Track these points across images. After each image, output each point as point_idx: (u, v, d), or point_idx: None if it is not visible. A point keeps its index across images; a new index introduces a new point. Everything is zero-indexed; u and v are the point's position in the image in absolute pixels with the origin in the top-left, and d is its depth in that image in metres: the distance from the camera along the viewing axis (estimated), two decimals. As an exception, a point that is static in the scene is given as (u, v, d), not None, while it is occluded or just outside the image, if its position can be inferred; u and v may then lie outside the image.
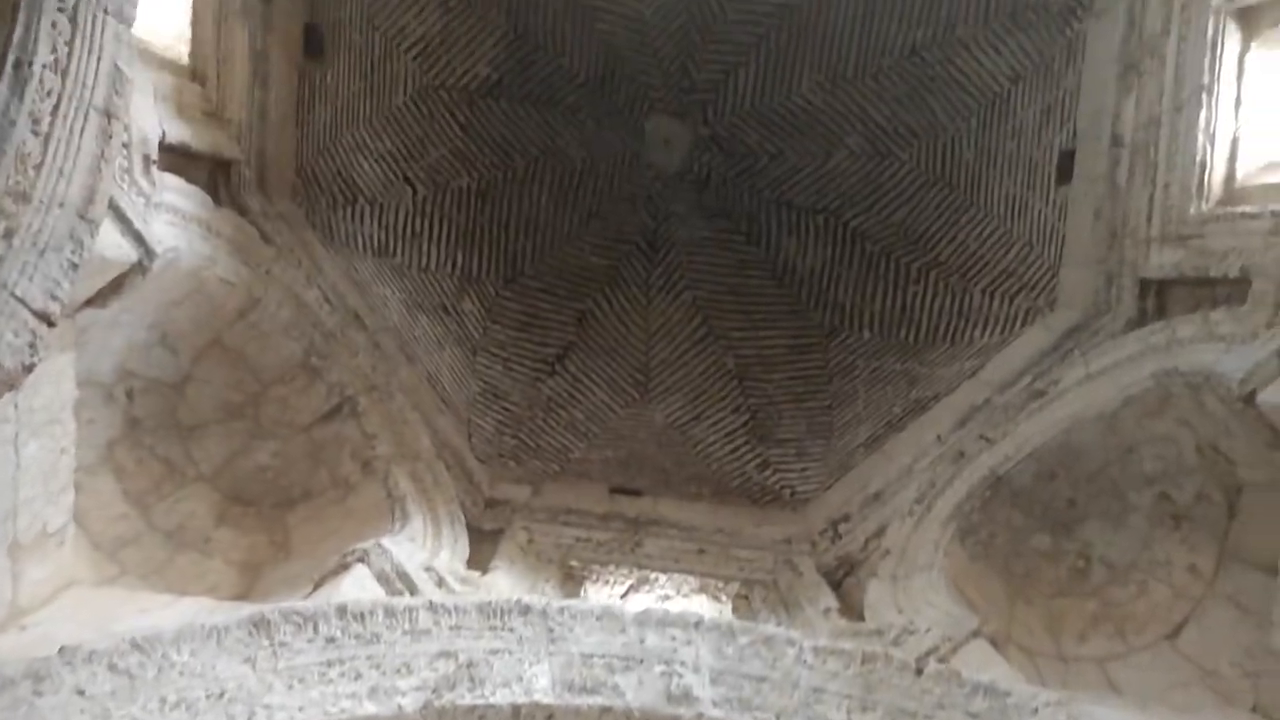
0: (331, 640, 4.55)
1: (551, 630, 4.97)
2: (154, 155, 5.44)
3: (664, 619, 5.17)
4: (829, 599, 6.37)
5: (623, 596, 6.78)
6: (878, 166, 8.69)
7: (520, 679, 4.69)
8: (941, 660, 5.03)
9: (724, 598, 6.82)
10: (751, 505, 8.14)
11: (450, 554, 6.11)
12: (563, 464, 8.38)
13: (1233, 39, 5.95)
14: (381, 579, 5.40)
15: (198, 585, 5.72)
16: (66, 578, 5.30)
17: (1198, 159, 5.99)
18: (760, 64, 8.84)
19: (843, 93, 8.68)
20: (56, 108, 4.52)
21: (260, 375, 6.47)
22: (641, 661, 4.91)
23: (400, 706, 4.43)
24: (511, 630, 4.92)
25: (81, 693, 3.91)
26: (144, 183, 5.33)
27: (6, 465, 4.82)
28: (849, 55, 8.54)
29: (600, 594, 6.73)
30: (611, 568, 6.87)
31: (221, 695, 4.16)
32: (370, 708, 4.38)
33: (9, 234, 4.26)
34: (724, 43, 8.81)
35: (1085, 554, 6.13)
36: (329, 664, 4.48)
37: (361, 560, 5.43)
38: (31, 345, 4.41)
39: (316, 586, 5.38)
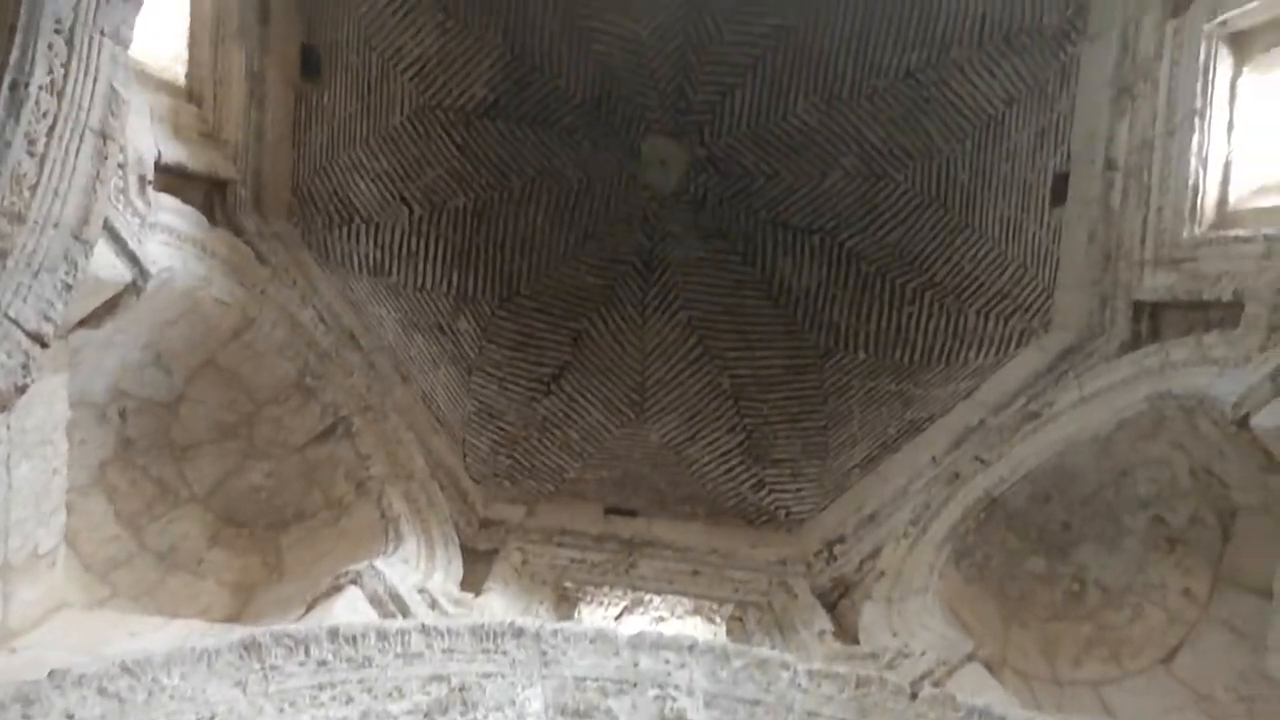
0: (323, 664, 4.51)
1: (544, 653, 4.94)
2: (150, 176, 5.45)
3: (658, 642, 5.13)
4: (823, 621, 6.35)
5: (617, 618, 6.76)
6: (873, 187, 8.72)
7: (513, 703, 4.65)
8: (936, 684, 5.01)
9: (718, 619, 6.80)
10: (746, 526, 8.13)
11: (444, 575, 6.09)
12: (558, 484, 8.37)
13: (1225, 63, 5.96)
14: (374, 601, 5.38)
15: (189, 607, 5.70)
16: (57, 599, 5.27)
17: (1190, 182, 5.99)
18: (756, 85, 8.87)
19: (838, 114, 8.70)
20: (52, 129, 4.53)
21: (254, 395, 6.46)
22: (635, 685, 4.88)
23: (392, 730, 4.40)
24: (504, 653, 4.88)
25: (71, 717, 3.87)
26: (139, 203, 5.34)
27: (-2, 486, 4.82)
28: (844, 77, 8.57)
29: (594, 615, 6.72)
30: (606, 589, 6.85)
31: (212, 719, 4.13)
32: (362, 731, 4.35)
33: (3, 255, 4.26)
34: (720, 64, 8.85)
35: (1080, 577, 6.11)
36: (320, 687, 4.45)
37: (354, 582, 5.41)
38: (24, 366, 4.41)
39: (309, 608, 5.36)
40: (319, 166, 7.76)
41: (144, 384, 5.99)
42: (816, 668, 5.00)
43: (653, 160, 9.22)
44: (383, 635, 4.74)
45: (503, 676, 4.75)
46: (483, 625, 4.96)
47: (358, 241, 8.13)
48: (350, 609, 5.22)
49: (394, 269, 8.40)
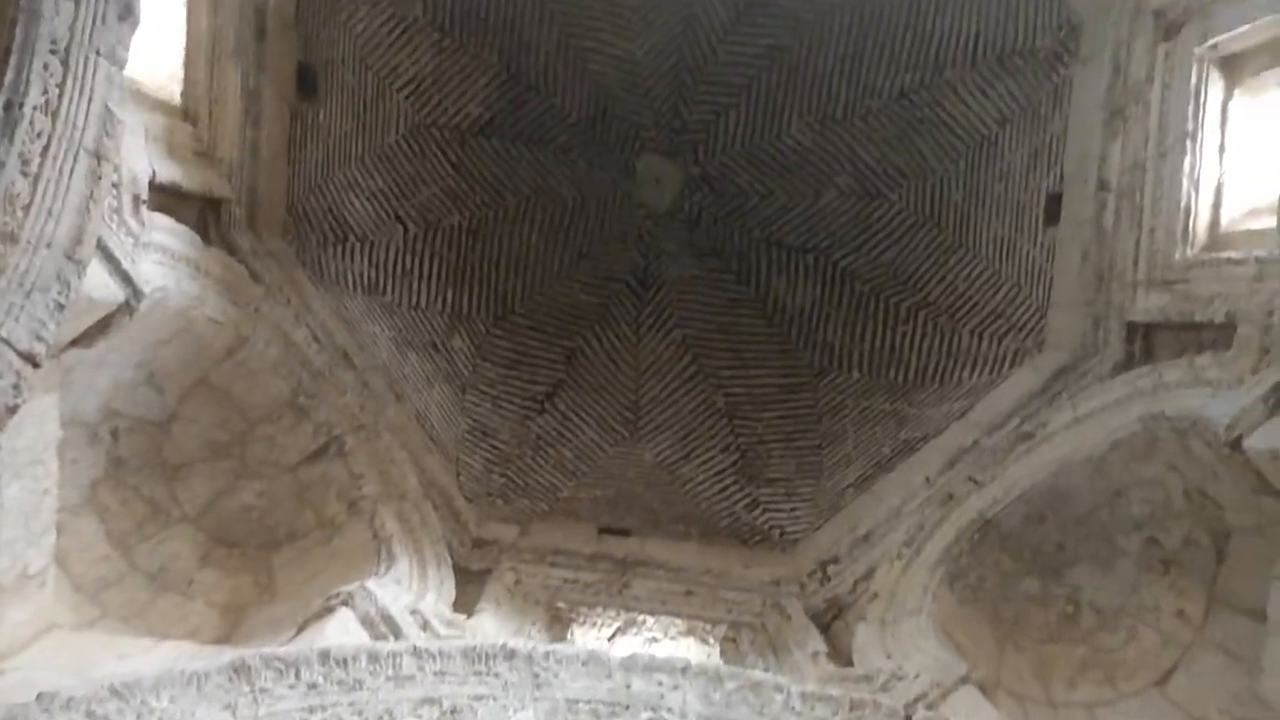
0: (313, 686, 4.50)
1: (537, 675, 4.93)
2: (144, 195, 5.45)
3: (650, 664, 5.12)
4: (817, 642, 6.33)
5: (610, 639, 6.74)
6: (867, 207, 8.74)
7: (505, 725, 4.64)
8: (930, 707, 5.00)
9: (712, 640, 6.78)
10: (740, 545, 8.11)
11: (436, 596, 6.07)
12: (551, 503, 8.35)
13: (1216, 86, 6.00)
14: (366, 622, 5.36)
15: (180, 628, 5.67)
16: (47, 621, 5.24)
17: (1182, 204, 6.02)
18: (751, 105, 8.90)
19: (832, 134, 8.73)
20: (46, 149, 4.54)
21: (247, 414, 6.45)
22: (628, 707, 4.87)
23: (383, 754, 4.38)
24: (496, 675, 4.87)
25: (58, 740, 3.86)
26: (133, 223, 5.34)
27: (-12, 507, 4.80)
28: (838, 97, 8.60)
29: (587, 636, 6.69)
30: (599, 609, 6.83)
31: (201, 743, 4.11)
32: (352, 756, 4.33)
33: (-4, 275, 4.26)
34: (715, 84, 8.88)
35: (1074, 599, 6.10)
36: (311, 710, 4.43)
37: (346, 603, 5.39)
38: (16, 387, 4.39)
39: (300, 630, 5.33)
40: (314, 185, 7.77)
41: (136, 403, 5.97)
42: (810, 690, 5.00)
43: (647, 179, 9.24)
44: (374, 657, 4.72)
45: (494, 699, 4.74)
46: (475, 647, 4.96)
47: (352, 260, 8.13)
48: (342, 630, 5.20)
49: (388, 287, 8.39)
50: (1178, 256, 6.05)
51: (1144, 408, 5.75)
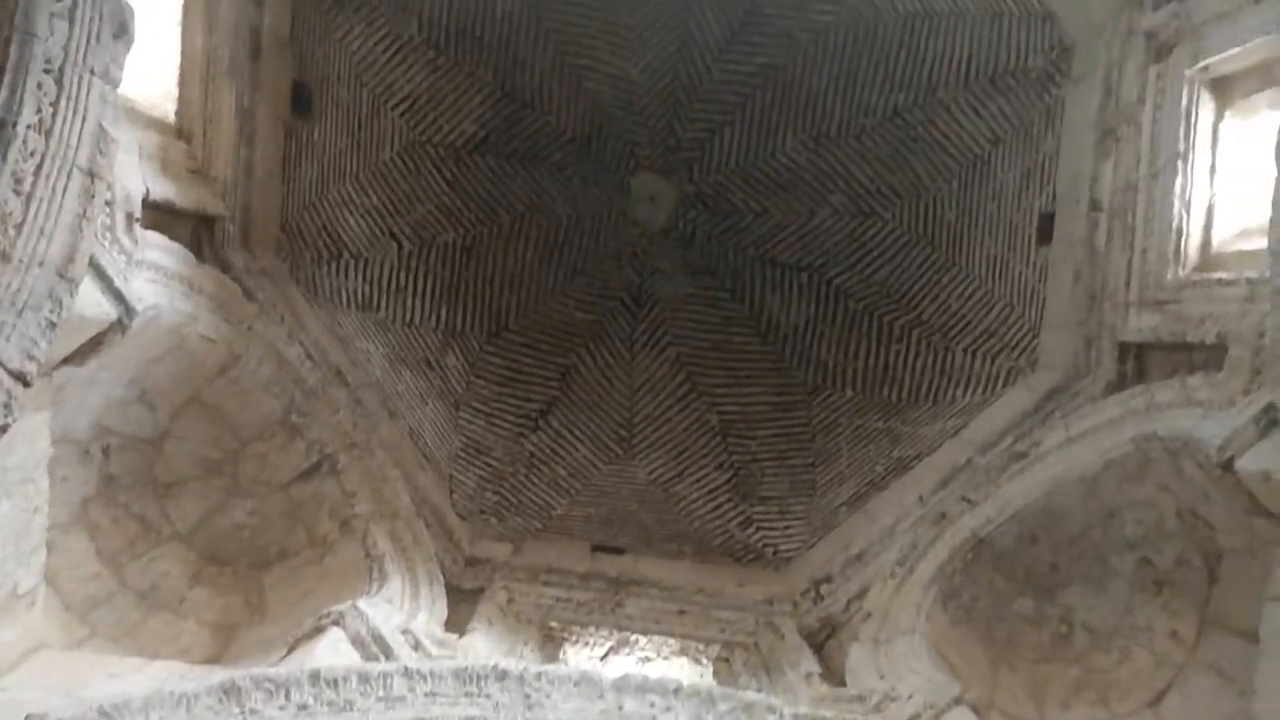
0: (304, 708, 4.48)
1: (528, 696, 4.91)
2: (137, 213, 5.46)
3: (643, 685, 5.11)
4: (810, 663, 6.31)
5: (602, 658, 6.72)
6: (861, 225, 8.76)
7: (496, 747, 4.62)
8: (923, 728, 4.98)
9: (705, 660, 6.76)
10: (734, 564, 8.10)
11: (428, 616, 6.05)
12: (544, 521, 8.34)
13: (1207, 108, 6.03)
14: (357, 642, 5.33)
15: (170, 647, 5.64)
16: (36, 640, 5.22)
17: (1174, 225, 6.04)
18: (745, 123, 8.94)
19: (826, 152, 8.76)
20: (40, 167, 4.55)
21: (239, 432, 6.43)
22: (619, 729, 4.85)
23: (373, 777, 4.36)
24: (488, 697, 4.86)
25: (46, 762, 3.83)
26: (126, 241, 5.34)
27: (-23, 526, 4.78)
28: (832, 116, 8.63)
29: (580, 656, 6.67)
30: (592, 629, 6.81)
31: (189, 765, 4.09)
32: (342, 778, 4.31)
33: (-13, 294, 4.25)
34: (710, 102, 8.91)
35: (1068, 619, 6.08)
36: (300, 732, 4.41)
37: (337, 623, 5.37)
38: (6, 406, 4.39)
39: (291, 650, 5.31)
40: (308, 202, 7.78)
41: (128, 421, 5.95)
42: (803, 712, 4.99)
43: (642, 197, 9.26)
44: (364, 678, 4.71)
45: (486, 720, 4.72)
46: (466, 668, 4.94)
47: (346, 277, 8.14)
48: (332, 650, 5.18)
49: (382, 304, 8.40)
50: (1169, 277, 6.06)
51: (1136, 428, 5.75)
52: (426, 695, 4.74)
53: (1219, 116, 6.05)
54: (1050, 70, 7.13)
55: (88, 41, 4.68)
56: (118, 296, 5.21)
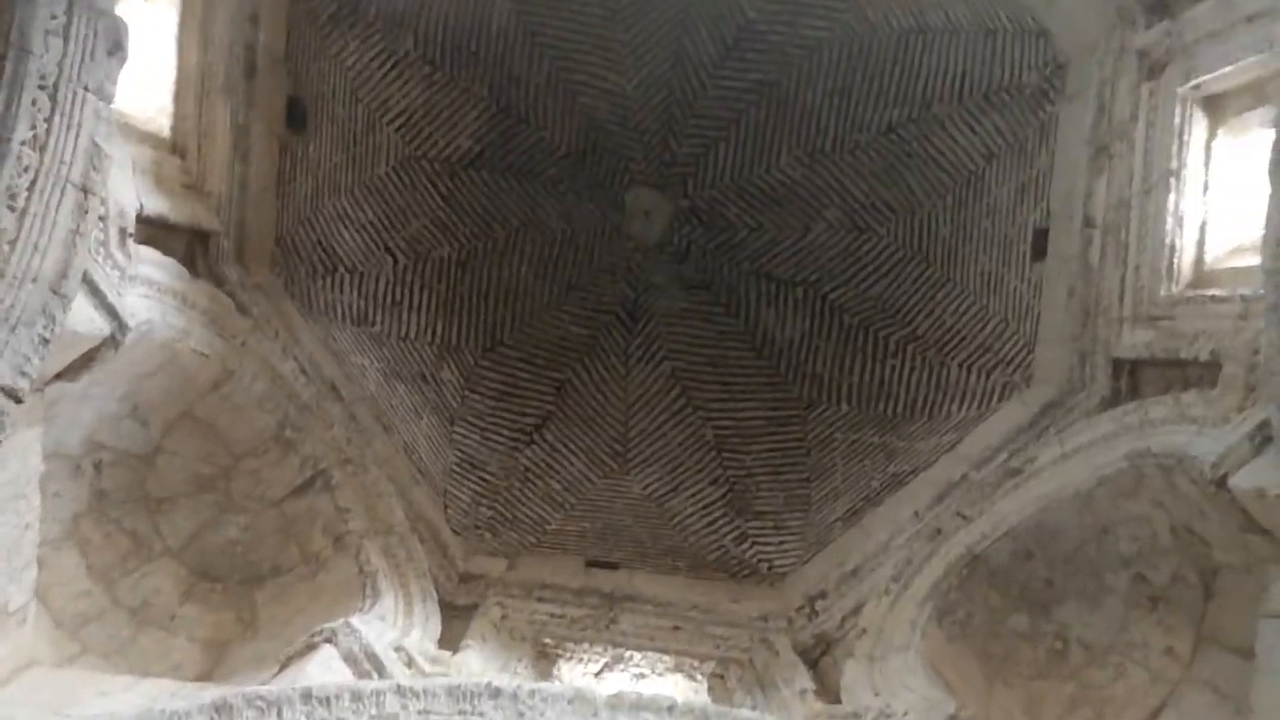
0: (295, 726, 4.45)
1: (522, 714, 4.89)
2: (131, 229, 5.45)
3: (637, 702, 5.09)
4: (805, 680, 6.29)
5: (597, 675, 6.69)
6: (856, 240, 8.77)
7: (489, 766, 4.60)
8: (918, 747, 4.96)
9: (699, 677, 6.73)
10: (729, 579, 8.09)
11: (421, 633, 6.02)
12: (539, 536, 8.32)
13: (1199, 125, 6.05)
14: (349, 660, 5.30)
15: (161, 664, 5.61)
16: (26, 657, 5.18)
17: (1167, 241, 6.05)
18: (740, 138, 8.95)
19: (821, 168, 8.78)
20: (33, 183, 4.56)
21: (232, 448, 6.42)
22: (613, 747, 4.83)
23: (364, 796, 4.33)
24: (481, 715, 4.84)
25: (34, 782, 3.80)
26: (119, 256, 5.33)
27: (-33, 543, 4.75)
28: (827, 131, 8.65)
29: (574, 672, 6.64)
30: (586, 645, 6.79)
31: (179, 785, 4.06)
32: (333, 797, 4.28)
33: (-21, 311, 4.24)
34: (704, 117, 8.93)
35: (1063, 635, 6.07)
36: (292, 751, 4.38)
37: (329, 640, 5.34)
38: (-2, 422, 4.37)
39: (283, 667, 5.28)
40: (303, 217, 7.78)
41: (120, 436, 5.94)
42: (797, 730, 4.96)
43: (637, 211, 9.27)
44: (357, 696, 4.68)
45: (478, 739, 4.70)
46: (459, 685, 4.92)
47: (341, 291, 8.13)
48: (324, 668, 5.15)
49: (377, 318, 8.39)
50: (1163, 293, 6.07)
51: (1130, 444, 5.74)
52: (420, 713, 4.72)
53: (1211, 134, 6.07)
54: (1044, 87, 7.15)
55: (82, 58, 4.69)
56: (111, 312, 5.20)
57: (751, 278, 9.19)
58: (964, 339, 7.97)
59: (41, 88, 4.56)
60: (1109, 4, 6.38)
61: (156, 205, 6.07)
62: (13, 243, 4.47)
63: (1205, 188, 6.03)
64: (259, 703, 4.45)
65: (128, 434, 5.98)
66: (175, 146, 6.62)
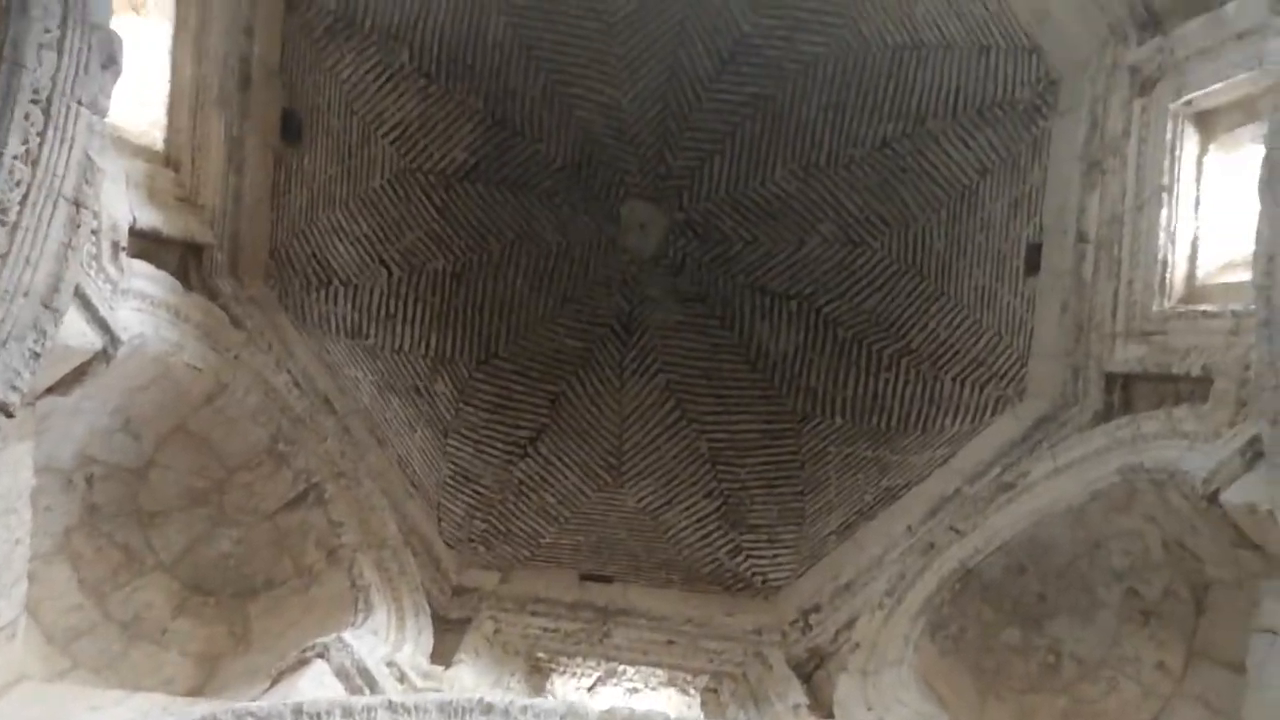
0: (285, 742, 4.43)
1: (513, 730, 4.87)
2: (123, 242, 5.45)
3: (630, 718, 5.09)
4: (798, 694, 6.28)
5: (590, 689, 6.67)
6: (850, 254, 8.79)
7: (480, 782, 4.58)
8: (911, 762, 4.95)
9: (693, 691, 6.72)
10: (723, 592, 8.08)
11: (413, 647, 6.00)
12: (533, 549, 8.31)
13: (1191, 141, 6.07)
14: (341, 675, 5.29)
15: (152, 679, 5.59)
16: (16, 672, 5.16)
17: (1159, 257, 6.06)
18: (735, 152, 8.98)
19: (816, 181, 8.80)
20: (25, 197, 4.55)
21: (225, 461, 6.40)
22: (605, 763, 4.82)
23: (354, 813, 4.31)
24: (472, 730, 4.81)
25: (21, 799, 3.79)
26: (112, 269, 5.33)
27: (-42, 558, 4.74)
28: (822, 145, 8.68)
29: (567, 687, 6.63)
30: (579, 659, 6.77)
31: (168, 801, 4.04)
32: (323, 815, 4.26)
33: (-31, 325, 4.24)
34: (700, 131, 8.96)
35: (1055, 649, 6.07)
36: (281, 767, 4.37)
37: (321, 655, 5.33)
38: (-12, 437, 4.36)
39: (274, 682, 5.27)
40: (298, 229, 7.78)
41: (112, 450, 5.92)
42: (790, 745, 4.95)
43: (632, 224, 9.29)
44: (348, 712, 4.67)
45: (469, 755, 4.68)
46: (450, 701, 4.90)
47: (335, 304, 8.13)
48: (316, 683, 5.13)
49: (372, 331, 8.39)
50: (1155, 308, 6.09)
51: (1123, 459, 5.75)
52: (410, 729, 4.70)
53: (1203, 150, 6.09)
54: (1037, 103, 7.18)
55: (76, 72, 4.70)
56: (103, 326, 5.19)
57: (746, 291, 9.20)
58: (957, 353, 7.98)
59: (34, 102, 4.56)
60: (1101, 21, 6.41)
61: (150, 218, 6.06)
62: (4, 257, 4.47)
63: (1197, 203, 6.06)
64: (250, 718, 4.44)
65: (120, 448, 5.96)
66: (169, 159, 6.62)
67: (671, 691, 6.75)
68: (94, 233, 5.10)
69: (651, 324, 9.28)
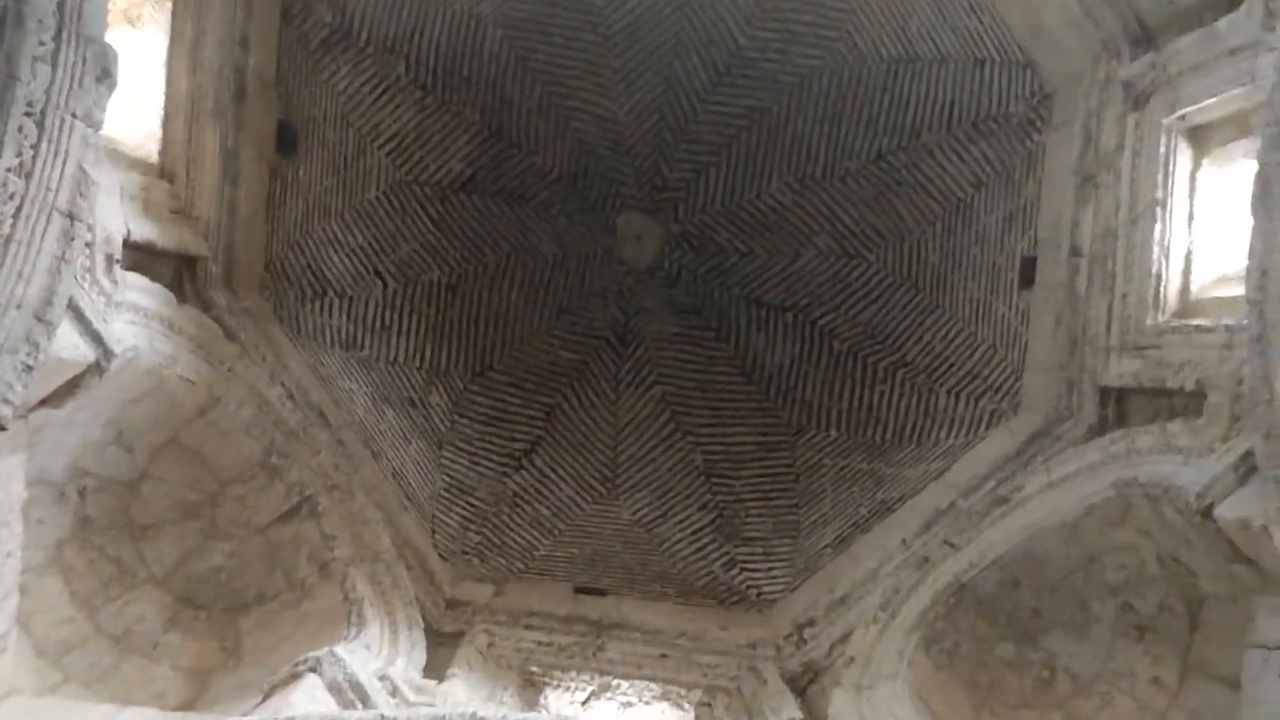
0: (276, 757, 4.41)
1: (506, 744, 4.84)
2: (117, 254, 5.44)
3: (622, 733, 5.06)
4: (792, 709, 6.27)
5: (584, 703, 6.65)
6: (845, 266, 8.80)
7: (471, 798, 4.55)
8: (905, 778, 4.94)
9: (687, 705, 6.70)
10: (717, 606, 8.06)
11: (406, 661, 5.98)
12: (527, 562, 8.29)
13: (1184, 156, 6.09)
14: (333, 689, 5.27)
15: (143, 693, 5.56)
16: (7, 686, 5.14)
17: (1153, 271, 6.07)
18: (731, 164, 9.00)
19: (811, 194, 8.82)
20: (19, 210, 4.54)
21: (218, 474, 6.39)
22: (597, 779, 4.79)
23: (345, 829, 4.29)
24: (465, 745, 4.78)
25: (9, 817, 3.76)
26: (105, 282, 5.32)
27: (-52, 572, 4.72)
28: (817, 158, 8.70)
29: (561, 701, 6.61)
30: (573, 673, 6.75)
31: (157, 818, 4.02)
32: (314, 831, 4.24)
33: (-38, 339, 4.22)
34: (696, 143, 8.97)
35: (1050, 664, 6.06)
36: (272, 783, 4.34)
37: (313, 669, 5.31)
38: (-21, 451, 4.34)
39: (266, 696, 5.25)
40: (293, 241, 7.78)
41: (105, 462, 5.90)
42: (783, 761, 4.93)
43: (628, 236, 9.29)
44: (339, 727, 4.64)
45: (461, 770, 4.66)
46: (443, 716, 4.87)
47: (330, 315, 8.12)
48: (308, 698, 5.11)
49: (366, 343, 8.38)
50: (1149, 322, 6.09)
51: (1117, 473, 5.75)
52: (402, 744, 4.68)
53: (1196, 164, 6.11)
54: (1031, 116, 7.21)
55: (70, 85, 4.69)
56: (96, 338, 5.18)
57: (742, 303, 9.21)
58: (952, 365, 7.98)
59: (29, 114, 4.55)
60: (1094, 36, 6.43)
61: (144, 230, 6.06)
62: (-3, 270, 4.45)
63: (1190, 218, 6.07)
64: (240, 734, 4.41)
65: (112, 460, 5.94)
66: (164, 171, 6.61)
67: (665, 706, 6.73)
68: (88, 245, 5.09)
69: (647, 336, 9.28)
